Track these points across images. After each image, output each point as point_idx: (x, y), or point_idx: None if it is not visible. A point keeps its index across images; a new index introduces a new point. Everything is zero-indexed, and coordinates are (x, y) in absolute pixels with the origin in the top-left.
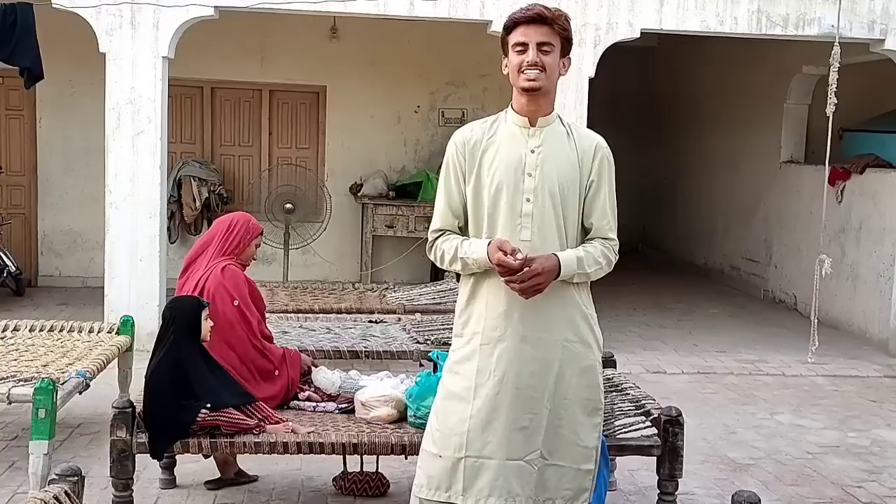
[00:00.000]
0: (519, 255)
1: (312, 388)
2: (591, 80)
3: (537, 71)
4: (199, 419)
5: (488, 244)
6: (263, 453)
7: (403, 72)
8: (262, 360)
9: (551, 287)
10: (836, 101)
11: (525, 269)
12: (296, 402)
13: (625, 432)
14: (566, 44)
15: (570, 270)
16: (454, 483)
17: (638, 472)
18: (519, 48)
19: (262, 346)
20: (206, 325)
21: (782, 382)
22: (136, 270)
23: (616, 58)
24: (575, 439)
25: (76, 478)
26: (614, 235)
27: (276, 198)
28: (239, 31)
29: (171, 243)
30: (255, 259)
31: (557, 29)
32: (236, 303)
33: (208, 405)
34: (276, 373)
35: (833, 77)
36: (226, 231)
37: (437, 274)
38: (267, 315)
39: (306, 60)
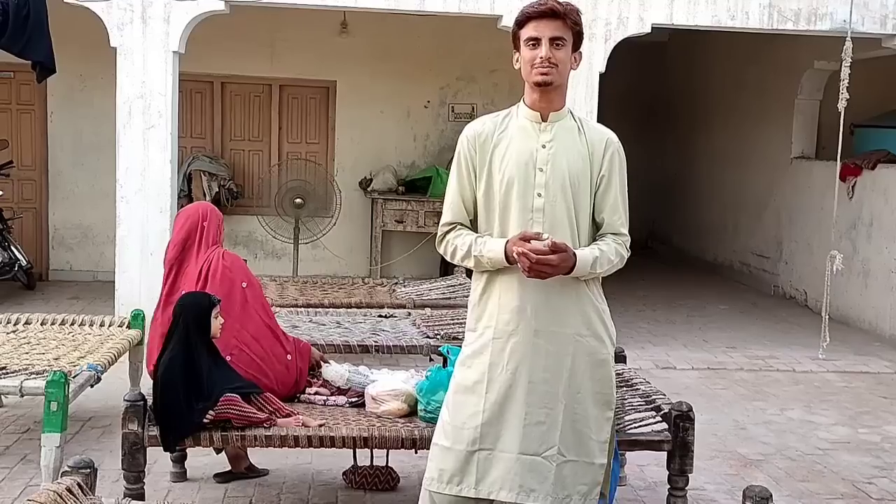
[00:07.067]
0: (544, 237)
1: (321, 383)
2: (601, 76)
3: (549, 66)
4: (207, 419)
5: (506, 243)
6: (274, 447)
7: (413, 67)
8: (276, 342)
9: (564, 282)
10: (847, 97)
11: (549, 255)
12: (305, 395)
13: (635, 427)
14: (578, 38)
15: (584, 270)
16: (467, 476)
17: (648, 467)
18: (531, 43)
19: (276, 327)
20: (216, 323)
21: (793, 378)
22: (146, 265)
23: (626, 53)
24: (588, 433)
25: (89, 470)
26: (626, 231)
27: (285, 192)
28: (249, 26)
29: None
30: None
31: (570, 23)
32: (244, 284)
33: (210, 406)
34: (289, 357)
35: (845, 72)
36: (201, 223)
37: (446, 269)
38: (276, 309)
39: (316, 55)
